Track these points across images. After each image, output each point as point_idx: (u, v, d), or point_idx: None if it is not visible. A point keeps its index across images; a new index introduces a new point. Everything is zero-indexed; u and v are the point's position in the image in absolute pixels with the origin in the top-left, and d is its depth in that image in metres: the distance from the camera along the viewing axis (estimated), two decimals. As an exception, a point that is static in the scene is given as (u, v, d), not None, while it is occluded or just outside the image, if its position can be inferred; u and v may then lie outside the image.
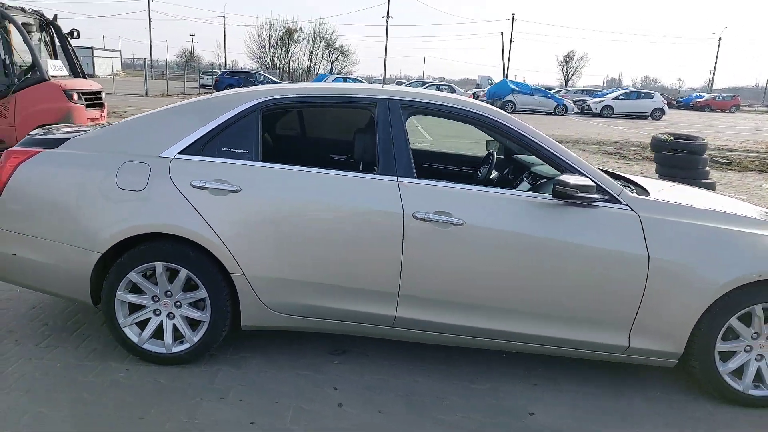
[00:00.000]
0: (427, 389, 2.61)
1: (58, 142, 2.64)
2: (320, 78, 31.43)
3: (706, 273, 2.47)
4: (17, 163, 2.56)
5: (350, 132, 3.46)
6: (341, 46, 72.11)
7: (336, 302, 2.58)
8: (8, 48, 7.13)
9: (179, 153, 2.56)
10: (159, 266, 2.53)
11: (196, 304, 2.61)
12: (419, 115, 2.72)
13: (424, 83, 29.70)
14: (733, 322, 2.56)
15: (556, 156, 2.62)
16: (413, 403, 2.49)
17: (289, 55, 71.90)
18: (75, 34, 8.31)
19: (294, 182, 2.52)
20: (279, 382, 2.57)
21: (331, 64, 71.67)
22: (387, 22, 43.35)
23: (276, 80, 31.25)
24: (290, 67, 69.86)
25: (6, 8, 7.20)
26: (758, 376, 2.63)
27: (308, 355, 2.84)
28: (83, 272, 2.54)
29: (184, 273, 2.54)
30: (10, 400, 2.26)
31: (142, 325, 2.63)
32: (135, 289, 2.60)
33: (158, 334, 2.63)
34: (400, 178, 2.55)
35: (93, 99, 7.93)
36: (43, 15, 7.99)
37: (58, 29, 8.10)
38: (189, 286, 2.59)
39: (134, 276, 2.54)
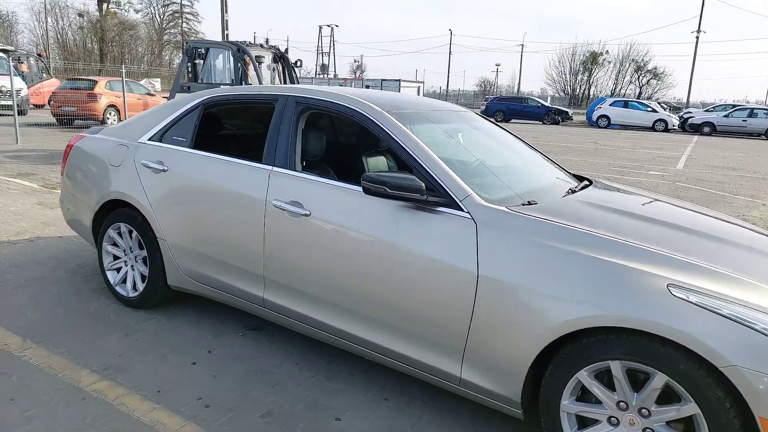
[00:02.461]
0: (281, 371, 2.76)
1: (100, 130, 3.76)
2: (599, 101, 29.89)
3: (545, 305, 2.01)
4: (72, 144, 3.76)
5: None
6: (655, 68, 66.63)
7: (223, 276, 2.98)
8: (244, 75, 9.44)
9: (148, 139, 3.36)
10: (123, 226, 3.38)
11: (145, 261, 3.36)
12: (312, 111, 2.89)
13: (734, 107, 25.60)
14: (584, 377, 1.99)
15: (404, 149, 2.48)
16: (250, 378, 2.69)
17: (591, 80, 69.95)
18: (299, 63, 10.36)
19: (202, 166, 3.04)
20: (183, 336, 3.10)
21: (640, 88, 66.83)
22: (697, 38, 38.20)
23: (546, 104, 30.98)
24: (590, 93, 67.86)
25: (247, 44, 9.57)
26: (633, 467, 1.95)
27: (224, 325, 3.28)
28: (88, 224, 3.58)
29: (135, 234, 3.32)
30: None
31: (121, 271, 3.52)
32: (115, 243, 3.50)
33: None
34: (274, 168, 2.80)
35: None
36: (278, 49, 10.25)
37: (287, 60, 10.25)
38: (140, 245, 3.36)
39: (111, 232, 3.45)
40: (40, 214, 5.50)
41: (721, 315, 1.79)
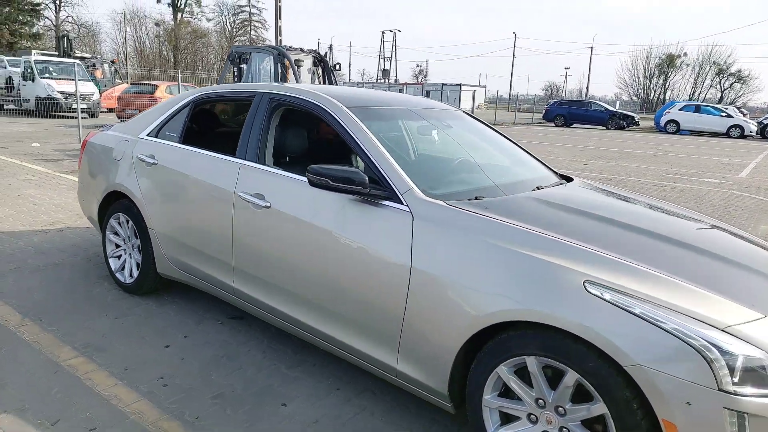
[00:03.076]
0: (247, 357, 2.90)
1: (110, 126, 4.06)
2: (668, 105, 28.51)
3: (469, 298, 2.02)
4: (87, 139, 4.08)
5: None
6: (739, 71, 62.79)
7: (201, 265, 3.15)
8: (284, 79, 9.78)
9: (146, 135, 3.60)
10: (121, 216, 3.63)
11: (139, 249, 3.59)
12: (284, 107, 3.01)
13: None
14: (503, 372, 1.99)
15: (356, 143, 2.55)
16: (215, 363, 2.84)
17: (667, 84, 66.83)
18: (338, 66, 10.61)
19: (186, 160, 3.24)
20: (167, 321, 3.30)
21: (722, 92, 63.18)
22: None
23: (610, 109, 29.84)
24: (665, 97, 64.82)
25: (287, 49, 9.90)
26: (549, 465, 1.93)
27: (208, 313, 3.46)
28: (95, 215, 3.87)
29: (131, 223, 3.56)
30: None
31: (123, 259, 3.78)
32: (116, 232, 3.77)
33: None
34: (245, 162, 2.95)
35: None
36: (318, 53, 10.54)
37: (326, 64, 10.52)
38: (135, 234, 3.60)
39: (112, 221, 3.72)
40: (77, 207, 5.95)
41: (632, 313, 1.75)
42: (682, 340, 1.67)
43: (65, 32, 30.09)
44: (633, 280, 1.85)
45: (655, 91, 67.37)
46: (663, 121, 27.17)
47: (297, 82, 9.69)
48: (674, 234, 2.34)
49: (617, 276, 1.87)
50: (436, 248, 2.15)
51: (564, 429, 1.92)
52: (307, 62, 10.37)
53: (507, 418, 2.08)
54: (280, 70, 9.71)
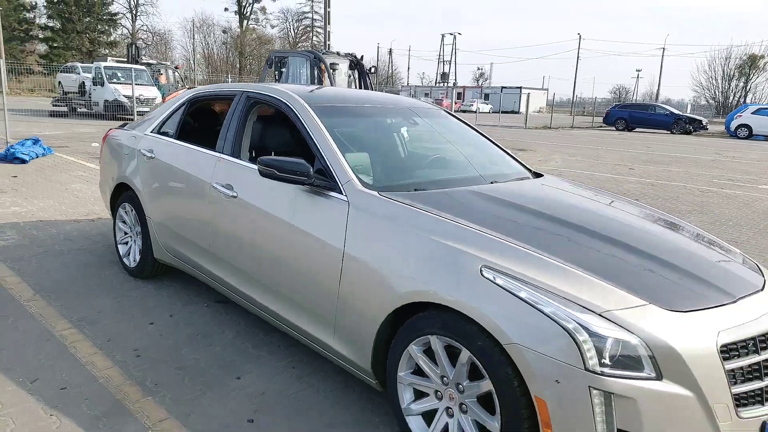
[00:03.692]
0: (220, 337, 3.15)
1: (126, 124, 4.46)
2: (740, 109, 26.92)
3: (387, 280, 2.17)
4: (105, 137, 4.49)
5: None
6: (839, 71, 58.23)
7: (185, 250, 3.44)
8: (319, 82, 10.13)
9: (150, 131, 3.95)
10: (127, 206, 4.00)
11: (141, 236, 3.94)
12: (258, 104, 3.24)
13: None
14: (413, 351, 2.13)
15: (310, 137, 2.74)
16: (189, 340, 3.11)
17: (749, 87, 62.98)
18: (373, 70, 10.86)
19: (176, 154, 3.54)
20: (158, 302, 3.62)
21: (812, 97, 58.82)
22: None
23: (676, 112, 28.52)
24: (746, 101, 61.07)
25: (323, 53, 10.26)
26: (452, 438, 2.05)
27: (198, 296, 3.75)
28: (108, 203, 4.27)
29: (132, 212, 3.92)
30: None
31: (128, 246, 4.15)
32: (124, 220, 4.14)
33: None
34: (221, 155, 3.21)
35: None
36: (355, 57, 10.83)
37: (362, 67, 10.80)
38: (137, 223, 3.94)
39: (120, 211, 4.10)
40: (113, 200, 6.48)
41: (517, 297, 1.84)
42: (557, 323, 1.76)
43: (134, 41, 32.19)
44: (528, 267, 1.94)
45: (734, 95, 63.53)
46: (733, 125, 25.72)
47: (332, 85, 10.02)
48: (599, 227, 2.37)
49: (513, 263, 1.96)
50: (364, 234, 2.31)
51: (463, 405, 2.03)
52: (344, 66, 10.69)
53: (419, 395, 2.20)
54: (316, 74, 10.07)
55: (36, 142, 9.91)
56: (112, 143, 4.31)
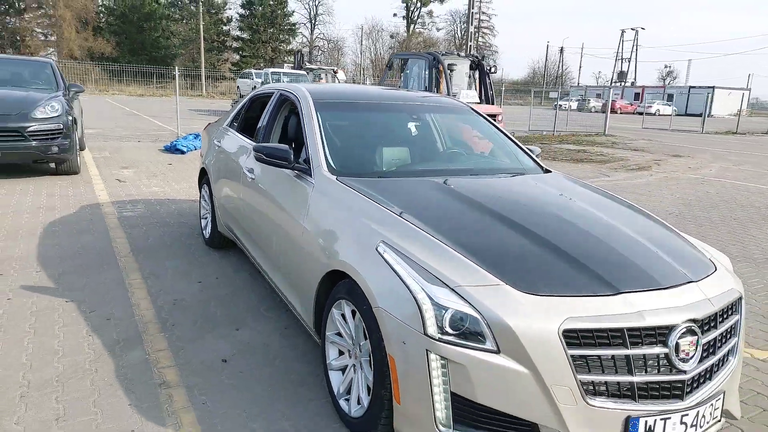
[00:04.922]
0: (249, 302, 3.74)
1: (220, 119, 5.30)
2: None
3: (323, 251, 2.53)
4: (204, 129, 5.39)
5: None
6: None
7: (233, 225, 4.09)
8: (437, 83, 10.49)
9: (226, 124, 4.71)
10: (204, 188, 4.81)
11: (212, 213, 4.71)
12: (287, 101, 3.73)
13: None
14: (333, 313, 2.47)
15: (303, 127, 3.17)
16: (222, 299, 3.74)
17: None
18: (493, 70, 10.87)
19: (231, 143, 4.22)
20: (214, 267, 4.35)
21: None
22: None
23: None
24: None
25: (443, 54, 10.58)
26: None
27: (247, 266, 4.39)
28: (198, 184, 5.14)
29: (207, 193, 4.71)
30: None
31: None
32: (204, 200, 4.95)
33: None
34: (255, 144, 3.78)
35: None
36: (476, 57, 10.96)
37: (482, 67, 10.89)
38: (209, 201, 4.72)
39: (202, 191, 4.93)
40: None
41: (393, 269, 2.08)
42: (411, 292, 1.97)
43: (300, 48, 35.65)
44: (417, 246, 2.15)
45: None
46: None
47: (448, 86, 10.30)
48: (527, 220, 2.42)
49: (407, 242, 2.19)
50: (317, 211, 2.69)
51: (360, 363, 2.30)
52: (463, 67, 10.88)
53: (340, 353, 2.51)
54: (434, 75, 10.43)
55: (197, 136, 11.73)
56: (205, 135, 5.19)
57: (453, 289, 1.94)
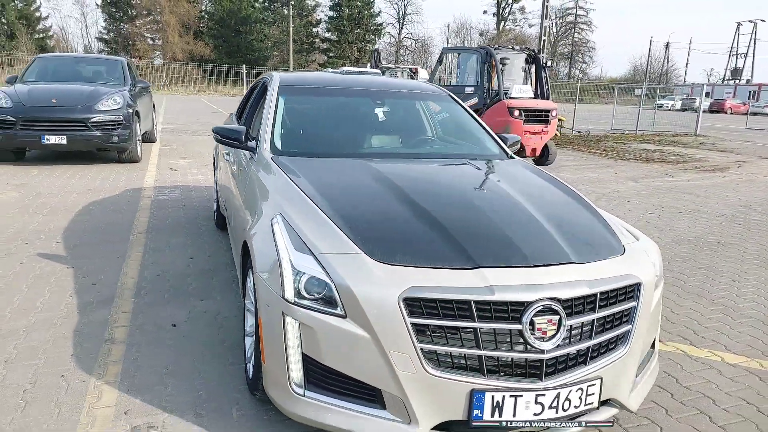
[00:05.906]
0: (225, 273, 4.00)
1: (237, 111, 5.63)
2: None
3: (247, 222, 2.68)
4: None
5: None
6: None
7: (223, 204, 4.37)
8: (489, 77, 10.34)
9: (234, 113, 5.00)
10: (215, 173, 5.15)
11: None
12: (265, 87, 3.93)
13: None
14: (248, 283, 2.60)
15: (262, 110, 3.34)
16: (209, 270, 4.02)
17: None
18: (549, 64, 10.50)
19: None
20: (213, 244, 4.65)
21: None
22: None
23: None
24: None
25: (496, 48, 10.40)
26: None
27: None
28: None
29: (214, 176, 5.05)
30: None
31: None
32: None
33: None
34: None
35: (538, 116, 9.98)
36: (533, 51, 10.67)
37: (538, 62, 10.57)
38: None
39: (215, 176, 5.27)
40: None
41: (274, 238, 2.20)
42: (278, 258, 2.08)
43: (376, 48, 36.26)
44: (303, 219, 2.25)
45: None
46: None
47: (499, 80, 10.12)
48: (423, 197, 2.46)
49: (298, 215, 2.29)
50: (252, 185, 2.88)
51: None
52: (518, 61, 10.63)
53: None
54: (486, 70, 10.29)
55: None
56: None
57: (315, 256, 2.03)
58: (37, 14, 45.78)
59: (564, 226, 2.37)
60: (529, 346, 1.92)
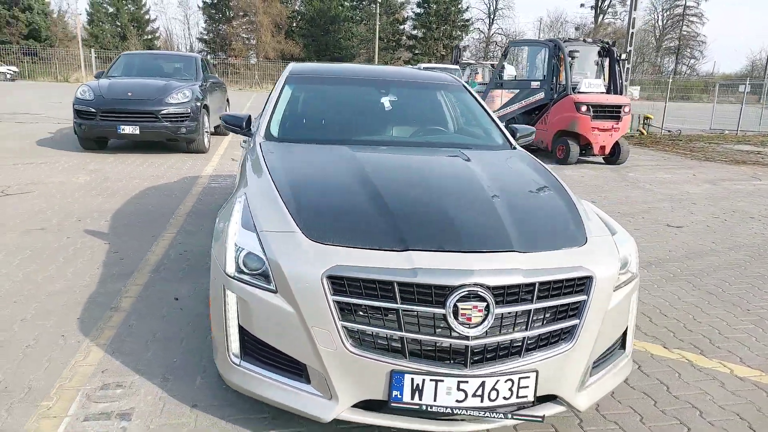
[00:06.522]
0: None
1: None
2: None
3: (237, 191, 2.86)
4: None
5: None
6: None
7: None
8: (557, 71, 9.98)
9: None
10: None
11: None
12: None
13: None
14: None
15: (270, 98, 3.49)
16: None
17: None
18: (624, 56, 9.94)
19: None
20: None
21: None
22: None
23: None
24: None
25: (565, 41, 10.01)
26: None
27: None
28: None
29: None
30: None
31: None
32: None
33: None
34: (260, 118, 4.21)
35: (609, 112, 9.48)
36: (607, 44, 10.15)
37: (612, 54, 10.04)
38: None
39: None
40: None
41: (231, 215, 2.32)
42: (226, 237, 2.19)
43: (458, 44, 35.78)
44: (261, 200, 2.36)
45: None
46: None
47: (567, 74, 9.73)
48: (387, 183, 2.48)
49: (258, 196, 2.40)
50: (242, 165, 3.03)
51: None
52: (589, 53, 10.16)
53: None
54: (554, 63, 9.93)
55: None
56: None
57: (258, 234, 2.12)
58: (147, 17, 49.65)
59: (523, 215, 2.30)
60: (453, 332, 1.89)
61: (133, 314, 3.14)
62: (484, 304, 1.89)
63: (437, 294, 1.89)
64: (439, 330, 1.91)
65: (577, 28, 64.15)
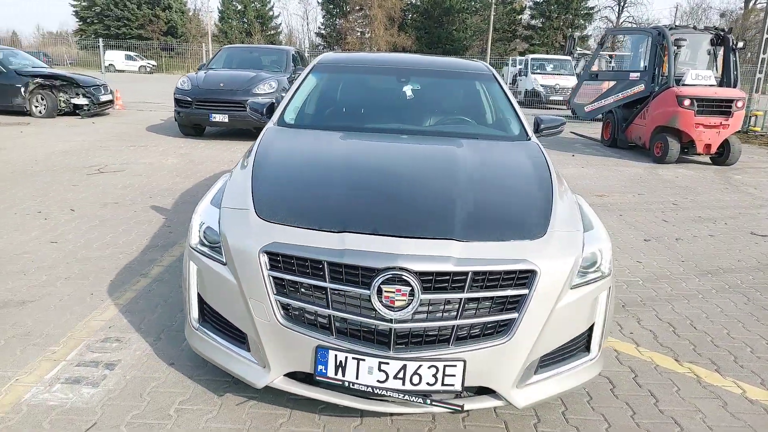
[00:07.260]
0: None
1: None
2: None
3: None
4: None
5: None
6: None
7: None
8: (660, 61, 9.27)
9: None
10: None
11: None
12: None
13: None
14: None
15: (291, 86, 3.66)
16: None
17: None
18: (741, 45, 8.96)
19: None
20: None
21: None
22: None
23: None
24: None
25: (671, 28, 9.26)
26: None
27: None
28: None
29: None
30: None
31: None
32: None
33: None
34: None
35: (717, 106, 8.62)
36: (722, 31, 9.23)
37: (727, 42, 9.10)
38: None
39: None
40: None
41: (211, 195, 2.52)
42: (195, 212, 2.40)
43: (572, 33, 33.74)
44: (239, 178, 2.54)
45: None
46: None
47: (671, 64, 9.00)
48: (373, 171, 2.58)
49: (239, 175, 2.59)
50: (254, 150, 3.24)
51: None
52: (700, 42, 9.27)
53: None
54: (658, 53, 9.21)
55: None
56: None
57: (219, 209, 2.31)
58: (270, 13, 52.71)
59: (483, 205, 2.28)
60: (377, 314, 1.94)
61: (156, 281, 3.48)
62: (409, 288, 1.91)
63: (364, 276, 1.94)
64: (365, 311, 1.96)
65: (722, 15, 58.25)
